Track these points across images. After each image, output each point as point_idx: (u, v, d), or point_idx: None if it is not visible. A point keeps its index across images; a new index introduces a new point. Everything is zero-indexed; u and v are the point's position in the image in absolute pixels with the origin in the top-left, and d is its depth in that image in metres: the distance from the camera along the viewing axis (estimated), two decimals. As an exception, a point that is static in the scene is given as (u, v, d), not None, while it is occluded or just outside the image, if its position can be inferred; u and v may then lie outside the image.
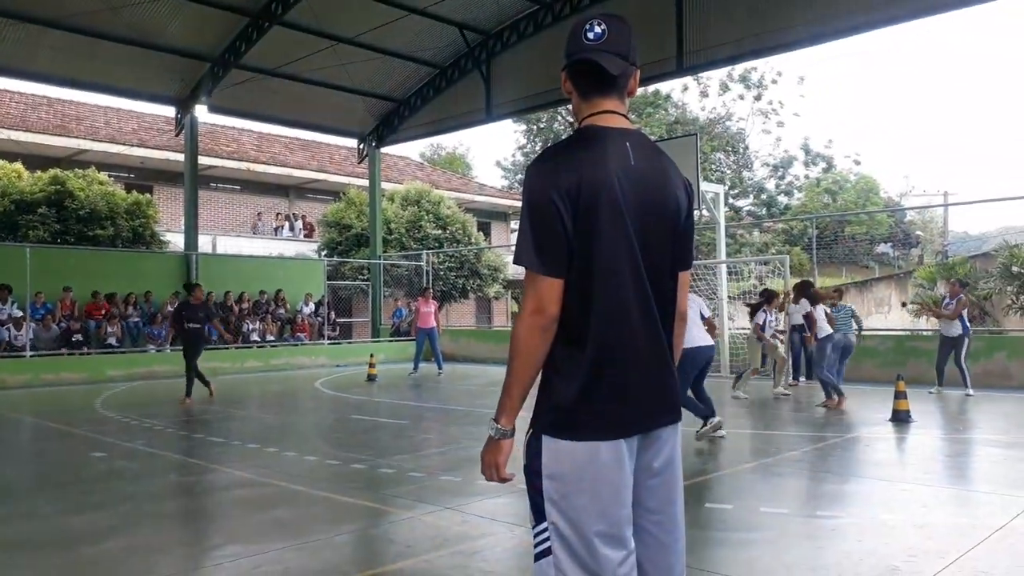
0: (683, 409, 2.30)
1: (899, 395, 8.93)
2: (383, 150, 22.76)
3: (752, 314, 11.73)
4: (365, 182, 23.32)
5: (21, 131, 22.10)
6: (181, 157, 20.17)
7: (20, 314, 15.22)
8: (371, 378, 14.98)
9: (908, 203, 42.07)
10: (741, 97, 38.97)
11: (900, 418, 8.80)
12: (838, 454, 7.15)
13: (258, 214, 28.15)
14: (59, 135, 22.90)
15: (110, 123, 25.88)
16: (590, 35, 2.09)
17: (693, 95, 55.21)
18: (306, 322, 20.11)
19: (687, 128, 35.98)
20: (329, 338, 20.29)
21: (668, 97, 39.49)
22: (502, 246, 29.98)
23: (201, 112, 18.38)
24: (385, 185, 24.33)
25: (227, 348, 17.58)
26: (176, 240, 21.32)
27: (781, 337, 12.76)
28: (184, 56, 17.31)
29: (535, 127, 41.75)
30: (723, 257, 16.08)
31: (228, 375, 16.55)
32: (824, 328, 10.55)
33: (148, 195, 21.56)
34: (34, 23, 15.08)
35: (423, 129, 20.96)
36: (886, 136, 71.67)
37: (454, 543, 4.49)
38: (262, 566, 4.09)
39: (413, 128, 20.93)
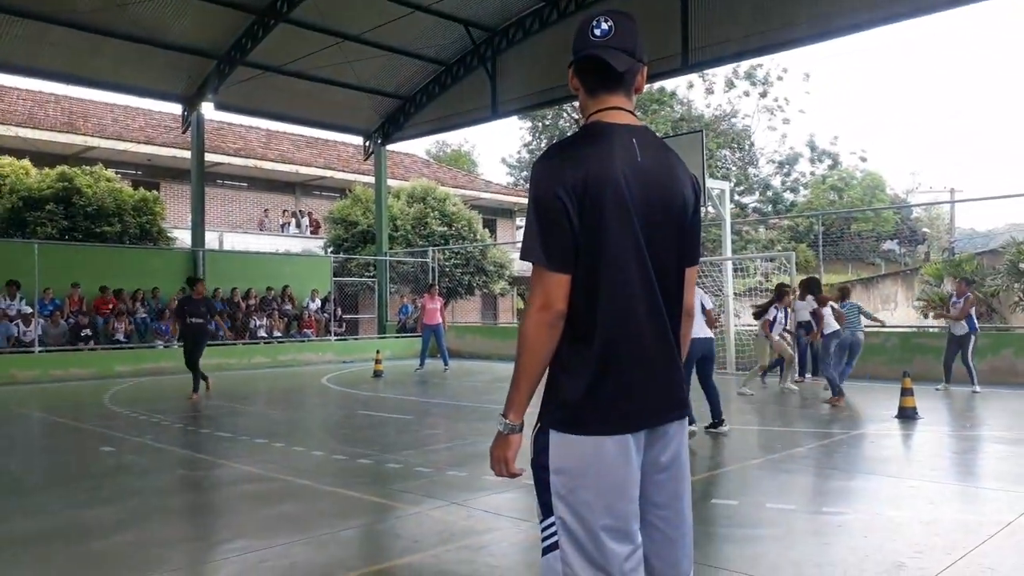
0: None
1: (906, 392, 8.91)
2: (389, 147, 22.80)
3: (759, 314, 11.67)
4: (371, 179, 23.35)
5: (29, 128, 22.18)
6: (188, 154, 20.24)
7: (29, 310, 15.30)
8: (377, 374, 15.01)
9: (915, 200, 41.95)
10: (747, 94, 38.97)
11: (907, 415, 8.78)
12: (844, 450, 7.14)
13: (265, 211, 28.21)
14: (67, 132, 22.98)
15: (117, 120, 25.95)
16: (597, 32, 2.09)
17: (699, 92, 55.24)
18: (313, 318, 20.17)
19: (693, 125, 35.93)
20: (336, 334, 20.35)
21: (673, 94, 39.46)
22: (508, 243, 29.98)
23: (208, 109, 18.45)
24: (391, 182, 24.38)
25: (234, 344, 17.65)
26: (183, 237, 21.40)
27: (787, 335, 12.74)
28: (190, 53, 17.36)
29: (540, 124, 41.75)
30: (729, 254, 16.07)
31: (235, 371, 16.63)
32: (831, 325, 10.53)
33: (155, 192, 21.62)
34: (41, 20, 15.15)
35: (429, 126, 20.99)
36: (893, 133, 71.47)
37: (460, 538, 4.50)
38: (269, 560, 4.11)
39: (419, 125, 20.95)
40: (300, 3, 15.65)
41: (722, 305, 15.25)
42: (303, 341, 19.36)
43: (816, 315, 10.80)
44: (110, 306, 16.75)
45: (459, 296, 25.21)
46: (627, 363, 2.05)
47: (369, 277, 22.88)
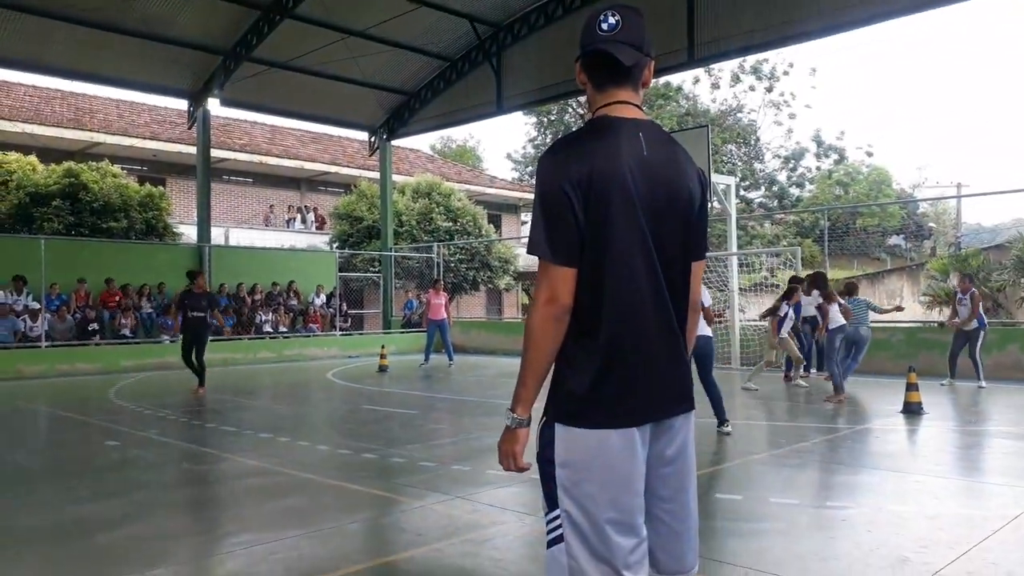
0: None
1: (911, 387, 8.89)
2: (394, 143, 22.79)
3: (771, 311, 11.60)
4: (376, 175, 23.36)
5: (35, 124, 22.24)
6: (194, 150, 20.27)
7: (36, 306, 15.35)
8: (382, 369, 15.04)
9: (921, 195, 41.84)
10: (752, 89, 38.80)
11: (912, 410, 8.77)
12: (849, 445, 7.14)
13: (270, 206, 28.26)
14: (73, 128, 23.04)
15: (123, 116, 26.00)
16: (604, 26, 2.10)
17: (704, 87, 55.12)
18: (318, 313, 20.22)
19: (698, 120, 35.82)
20: (341, 329, 20.39)
21: (679, 89, 39.33)
22: (512, 238, 30.00)
23: (213, 105, 18.45)
24: (396, 178, 24.38)
25: (240, 339, 17.71)
26: (189, 232, 21.44)
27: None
28: (196, 49, 17.40)
29: (545, 119, 41.67)
30: (734, 249, 16.04)
31: (241, 366, 16.68)
32: (836, 320, 10.48)
33: (161, 188, 21.67)
34: (48, 17, 15.17)
35: (434, 122, 20.99)
36: (899, 127, 71.22)
37: (465, 531, 4.51)
38: (275, 553, 4.13)
39: (424, 121, 20.96)
40: (305, -1, 15.67)
41: (727, 300, 15.24)
42: (308, 336, 19.40)
43: (821, 310, 10.77)
44: (116, 298, 16.81)
45: (464, 291, 25.24)
46: (633, 357, 2.05)
47: (374, 272, 22.91)
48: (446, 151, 48.62)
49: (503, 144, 67.56)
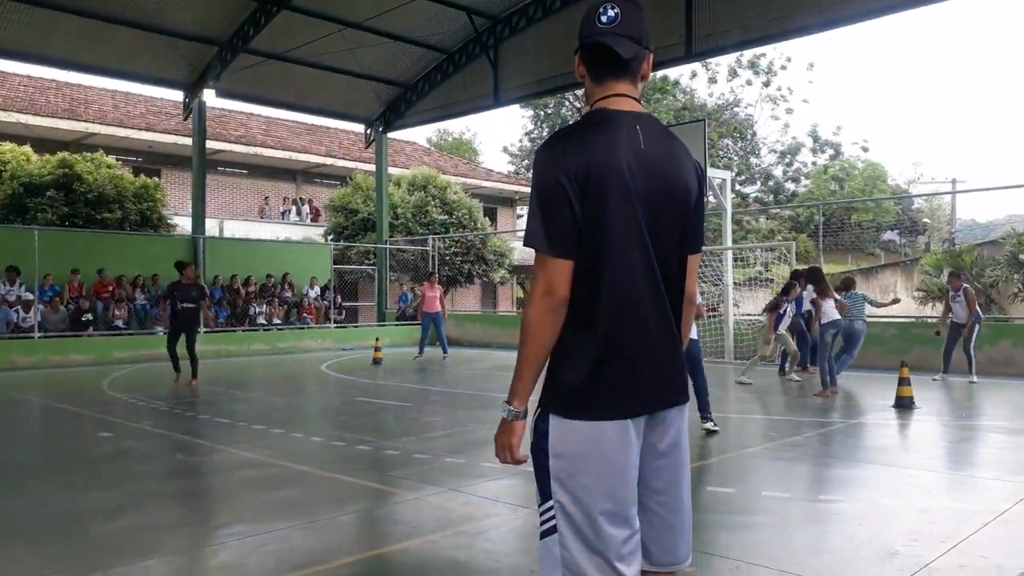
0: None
1: (903, 381, 8.93)
2: (390, 135, 22.75)
3: (772, 307, 11.61)
4: (372, 167, 23.33)
5: (30, 114, 22.14)
6: (189, 141, 20.21)
7: (29, 296, 15.30)
8: (377, 362, 15.04)
9: (916, 190, 41.91)
10: (749, 83, 38.86)
11: (904, 404, 8.81)
12: (841, 439, 7.17)
13: (265, 198, 28.19)
14: (68, 119, 22.95)
15: (118, 107, 25.89)
16: (603, 19, 2.09)
17: (701, 81, 55.09)
18: (312, 306, 20.19)
19: (695, 114, 35.85)
20: (335, 322, 20.37)
21: (676, 83, 39.34)
22: (508, 231, 29.98)
23: (209, 96, 18.37)
24: (392, 170, 24.33)
25: (234, 331, 17.68)
26: (184, 224, 21.40)
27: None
28: (192, 40, 17.30)
29: (542, 113, 41.64)
30: (729, 243, 16.06)
31: (235, 358, 16.66)
32: (829, 314, 10.48)
33: (156, 179, 21.61)
34: (43, 7, 15.10)
35: (430, 114, 20.94)
36: (895, 123, 71.31)
37: (458, 523, 4.53)
38: (268, 545, 4.13)
39: (420, 113, 20.90)
40: (302, -11, 15.63)
41: (722, 295, 15.26)
42: (303, 328, 19.38)
43: (815, 304, 10.79)
44: (110, 288, 16.76)
45: (459, 284, 25.24)
46: (628, 349, 2.05)
47: (369, 265, 22.89)
48: (442, 144, 48.55)
49: (499, 137, 67.57)
